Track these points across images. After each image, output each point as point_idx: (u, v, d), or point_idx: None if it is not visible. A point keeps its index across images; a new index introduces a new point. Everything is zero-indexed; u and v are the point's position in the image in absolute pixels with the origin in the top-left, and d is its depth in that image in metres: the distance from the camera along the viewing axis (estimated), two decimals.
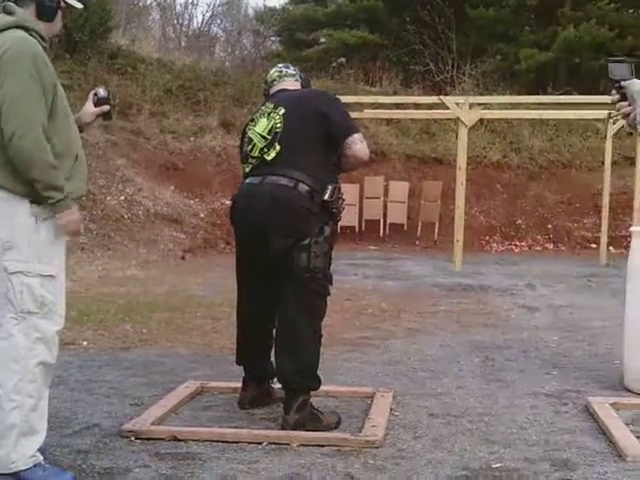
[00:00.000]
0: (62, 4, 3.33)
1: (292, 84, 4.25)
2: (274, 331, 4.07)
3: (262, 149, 3.97)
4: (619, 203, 14.69)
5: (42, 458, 3.20)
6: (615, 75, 2.98)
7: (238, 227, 4.09)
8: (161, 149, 14.35)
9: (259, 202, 3.89)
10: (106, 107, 3.54)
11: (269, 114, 4.03)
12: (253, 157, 4.02)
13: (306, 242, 3.81)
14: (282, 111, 3.99)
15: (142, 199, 12.79)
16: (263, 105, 4.17)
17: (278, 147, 3.92)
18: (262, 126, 4.01)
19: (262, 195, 3.89)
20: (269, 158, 3.94)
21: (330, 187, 3.90)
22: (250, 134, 4.07)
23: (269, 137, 3.95)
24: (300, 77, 4.32)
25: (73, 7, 3.43)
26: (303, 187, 3.84)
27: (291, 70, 4.32)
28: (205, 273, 10.07)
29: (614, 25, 18.81)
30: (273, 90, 4.25)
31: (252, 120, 4.15)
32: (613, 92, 2.99)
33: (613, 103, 3.00)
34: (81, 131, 3.46)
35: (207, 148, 14.82)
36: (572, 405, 4.50)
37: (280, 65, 4.40)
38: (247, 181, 4.05)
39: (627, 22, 19.34)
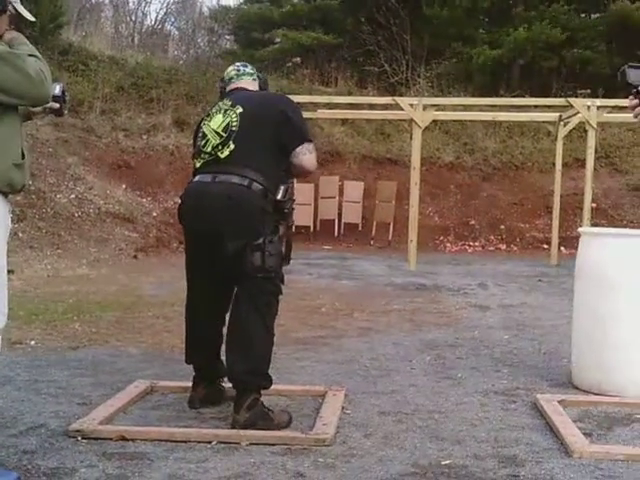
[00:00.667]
0: (12, 10, 3.26)
1: (250, 84, 4.22)
2: (224, 330, 4.04)
3: (216, 146, 3.93)
4: (570, 204, 14.92)
5: None
6: (633, 81, 3.00)
7: (189, 227, 4.04)
8: (113, 147, 14.20)
9: (212, 202, 3.85)
10: (56, 105, 3.50)
11: (226, 111, 3.99)
12: (206, 153, 3.98)
13: (260, 241, 3.78)
14: (239, 110, 3.95)
15: (93, 197, 12.63)
16: (220, 101, 4.13)
17: (232, 146, 3.89)
18: (217, 122, 3.98)
19: (215, 194, 3.85)
20: (222, 156, 3.90)
21: (283, 187, 3.90)
22: (205, 129, 4.04)
23: (224, 135, 3.92)
24: (258, 77, 4.28)
25: (24, 17, 3.36)
26: (257, 186, 3.82)
27: (249, 69, 4.28)
28: (157, 272, 9.98)
29: (566, 28, 19.07)
30: (229, 87, 4.21)
31: (208, 115, 4.12)
32: (631, 97, 3.01)
33: (632, 108, 3.02)
34: (29, 119, 3.44)
35: (160, 147, 14.71)
36: (521, 402, 4.54)
37: (238, 64, 4.36)
38: (197, 179, 4.00)
39: (578, 26, 19.63)
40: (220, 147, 3.92)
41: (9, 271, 8.59)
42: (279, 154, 3.94)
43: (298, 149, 3.96)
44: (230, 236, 3.78)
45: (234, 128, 3.91)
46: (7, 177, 3.15)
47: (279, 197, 3.88)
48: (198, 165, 4.04)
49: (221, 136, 3.93)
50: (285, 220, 3.95)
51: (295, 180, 4.19)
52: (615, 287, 4.69)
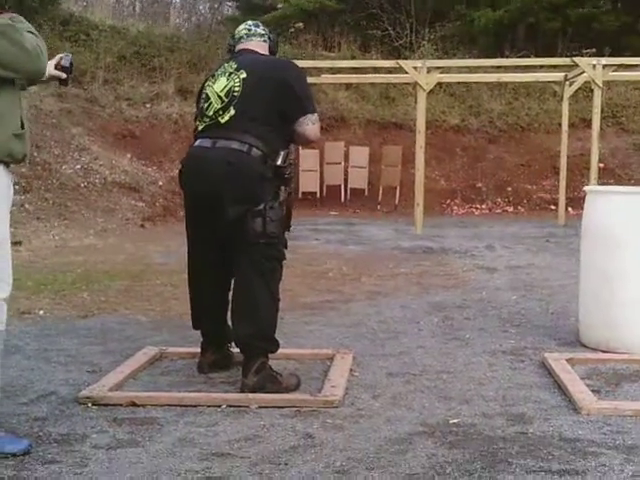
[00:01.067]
0: None
1: (260, 46, 4.13)
2: (229, 294, 4.04)
3: (217, 110, 3.91)
4: (577, 165, 14.84)
5: None
6: None
7: (189, 192, 4.04)
8: (117, 117, 14.15)
9: (212, 167, 3.84)
10: (63, 75, 3.52)
11: (230, 74, 3.95)
12: (207, 116, 3.96)
13: (260, 207, 3.77)
14: (243, 75, 3.91)
15: (99, 167, 12.61)
16: (226, 63, 4.07)
17: (233, 111, 3.87)
18: (221, 85, 3.94)
19: (215, 160, 3.84)
20: (223, 121, 3.88)
21: (282, 152, 3.88)
22: (208, 91, 4.00)
23: (226, 99, 3.89)
24: (269, 38, 4.17)
25: None
26: (256, 152, 3.81)
27: (260, 29, 4.17)
28: (165, 241, 9.98)
29: None
30: (238, 47, 4.14)
31: (212, 76, 4.07)
32: None
33: None
34: (33, 84, 3.47)
35: (164, 115, 14.65)
36: (529, 362, 4.56)
37: (250, 23, 4.23)
38: (197, 143, 3.99)
39: None
40: (221, 112, 3.89)
41: (17, 242, 8.67)
42: (280, 121, 3.90)
43: (301, 119, 3.92)
44: (230, 201, 3.78)
45: (236, 93, 3.88)
46: (7, 147, 3.14)
47: (279, 163, 3.86)
48: (200, 128, 4.02)
49: (222, 100, 3.90)
50: (286, 185, 3.94)
51: (300, 147, 4.19)
52: (621, 245, 4.68)
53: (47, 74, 3.50)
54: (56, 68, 3.50)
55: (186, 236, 4.17)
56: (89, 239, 10.05)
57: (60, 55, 3.59)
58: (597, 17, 19.05)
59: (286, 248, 3.99)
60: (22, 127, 3.21)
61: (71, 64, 3.55)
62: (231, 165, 3.79)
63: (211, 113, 3.93)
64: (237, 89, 3.89)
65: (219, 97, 3.92)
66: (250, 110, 3.85)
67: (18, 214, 9.86)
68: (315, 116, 3.99)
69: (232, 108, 3.87)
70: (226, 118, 3.88)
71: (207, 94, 4.00)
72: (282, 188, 3.89)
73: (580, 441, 3.29)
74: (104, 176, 12.52)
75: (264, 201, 3.78)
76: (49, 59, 3.51)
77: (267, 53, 4.16)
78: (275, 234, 3.82)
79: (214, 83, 3.99)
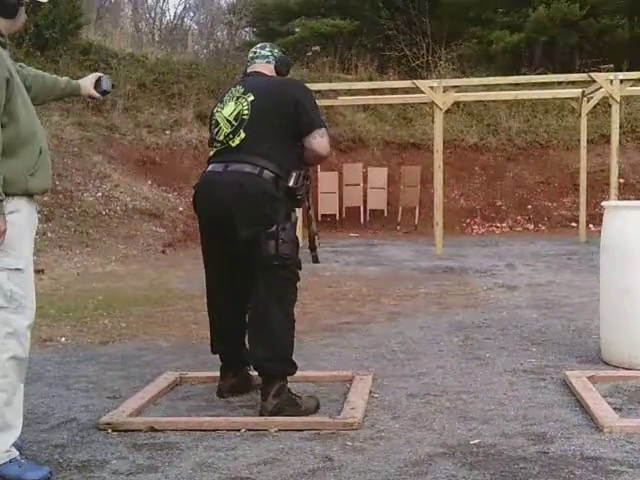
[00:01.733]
0: (25, 0, 3.30)
1: (264, 67, 4.15)
2: (246, 317, 4.05)
3: (227, 135, 3.95)
4: (597, 181, 14.78)
5: (18, 453, 3.18)
6: None
7: (203, 216, 4.07)
8: (137, 144, 14.27)
9: (224, 190, 3.86)
10: (97, 96, 3.78)
11: (237, 99, 3.99)
12: (218, 141, 4.00)
13: (273, 229, 3.79)
14: (251, 98, 3.95)
15: (119, 195, 12.72)
16: (233, 87, 4.11)
17: (243, 134, 3.90)
18: (229, 110, 3.98)
19: (227, 183, 3.87)
20: (234, 144, 3.92)
21: (295, 173, 3.88)
22: (217, 117, 4.04)
23: (235, 123, 3.93)
24: (275, 58, 4.17)
25: (39, 3, 3.42)
26: (268, 174, 3.82)
27: (265, 51, 4.19)
28: (185, 266, 10.03)
29: (585, 2, 18.80)
30: (248, 70, 4.20)
31: (221, 102, 4.11)
32: None
33: None
34: (75, 95, 3.78)
35: (183, 141, 14.76)
36: (550, 380, 4.52)
37: (258, 46, 4.27)
38: (209, 168, 4.02)
39: (598, 0, 19.33)
40: (231, 136, 3.93)
41: (40, 270, 8.73)
42: (291, 141, 3.92)
43: (310, 134, 3.94)
44: (242, 223, 3.80)
45: (245, 116, 3.91)
46: (23, 186, 3.20)
47: (291, 184, 3.87)
48: (211, 153, 4.06)
49: (232, 125, 3.93)
50: (298, 206, 3.95)
51: (315, 167, 4.20)
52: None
53: (83, 92, 3.74)
54: (95, 88, 3.73)
55: (203, 260, 4.20)
56: (111, 266, 10.12)
57: (99, 75, 3.80)
58: (613, 31, 19.02)
59: (300, 269, 4.00)
60: (38, 162, 3.25)
61: (105, 89, 3.76)
62: (243, 188, 3.81)
63: (222, 138, 3.97)
64: (246, 112, 3.92)
65: (228, 121, 3.95)
66: (260, 132, 3.88)
67: (40, 242, 9.95)
68: (323, 130, 3.98)
69: (242, 131, 3.90)
70: (237, 142, 3.91)
71: (216, 120, 4.04)
72: (294, 209, 3.90)
73: (602, 460, 3.26)
74: (125, 203, 12.62)
75: (276, 223, 3.80)
76: (72, 82, 3.74)
77: (272, 74, 4.17)
78: (288, 255, 3.83)
79: (223, 108, 4.03)
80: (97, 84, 3.76)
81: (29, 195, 3.25)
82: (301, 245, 4.07)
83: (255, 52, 4.21)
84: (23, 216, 3.21)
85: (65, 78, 3.80)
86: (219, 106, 4.09)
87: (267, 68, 4.18)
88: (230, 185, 3.84)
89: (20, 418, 3.23)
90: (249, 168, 3.84)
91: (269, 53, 4.19)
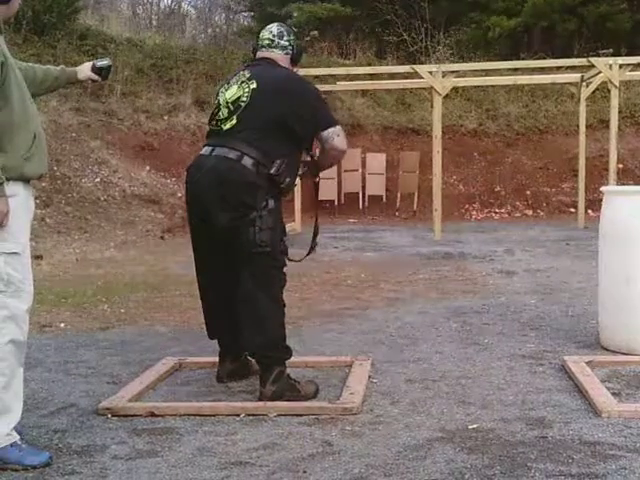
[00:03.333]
0: None
1: (281, 58, 4.08)
2: (236, 304, 4.04)
3: (222, 119, 3.94)
4: (596, 166, 14.76)
5: (18, 437, 3.19)
6: None
7: (189, 200, 4.10)
8: (135, 129, 14.24)
9: (203, 175, 3.88)
10: (96, 77, 3.76)
11: (242, 83, 3.95)
12: (215, 121, 4.00)
13: (252, 216, 3.78)
14: (254, 85, 3.91)
15: (118, 180, 12.70)
16: (242, 70, 4.07)
17: (235, 120, 3.88)
18: (231, 93, 3.96)
19: (208, 168, 3.88)
20: (224, 128, 3.92)
21: (278, 161, 3.84)
22: (220, 97, 4.03)
23: (232, 108, 3.91)
24: (293, 49, 4.09)
25: None
26: (248, 160, 3.80)
27: (284, 41, 4.08)
28: (184, 252, 9.87)
29: None
30: (258, 55, 4.12)
31: (227, 82, 4.08)
32: None
33: None
34: (72, 82, 3.80)
35: (182, 127, 14.73)
36: (549, 365, 4.53)
37: (274, 32, 4.09)
38: (201, 151, 4.03)
39: None
40: (224, 120, 3.93)
41: (38, 256, 8.74)
42: (286, 136, 3.88)
43: (325, 133, 3.93)
44: (217, 209, 3.81)
45: (242, 103, 3.89)
46: (19, 170, 3.20)
47: (272, 171, 3.83)
48: (207, 132, 4.09)
49: (229, 110, 3.92)
50: (281, 194, 3.94)
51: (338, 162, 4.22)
52: (638, 245, 4.64)
53: (81, 76, 3.74)
54: (92, 69, 3.73)
55: (192, 244, 4.20)
56: (109, 252, 10.12)
57: (95, 60, 3.83)
58: (612, 16, 18.95)
59: (285, 254, 3.99)
60: (32, 146, 3.25)
61: (106, 68, 3.76)
62: (220, 173, 3.81)
63: (217, 120, 3.98)
64: (244, 99, 3.90)
65: (227, 106, 3.94)
66: (252, 120, 3.85)
67: (39, 228, 9.94)
68: (339, 127, 4.00)
69: (235, 117, 3.89)
70: (227, 126, 3.91)
71: (218, 100, 4.03)
72: (274, 196, 3.88)
73: (600, 444, 3.27)
74: (123, 189, 12.61)
75: (255, 210, 3.79)
76: (68, 70, 3.73)
77: (288, 66, 4.10)
78: (266, 242, 3.81)
79: (227, 90, 4.01)
80: (94, 68, 3.76)
81: (25, 180, 3.25)
82: (298, 231, 4.06)
83: (273, 40, 4.08)
84: (19, 201, 3.21)
85: (59, 67, 3.78)
86: (224, 87, 4.07)
87: (284, 60, 4.09)
88: (210, 170, 3.85)
89: (20, 402, 3.23)
90: (230, 154, 3.83)
91: (287, 43, 4.09)
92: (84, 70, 3.75)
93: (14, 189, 3.18)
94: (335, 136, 3.96)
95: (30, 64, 3.68)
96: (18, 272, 3.17)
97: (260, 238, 3.78)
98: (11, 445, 3.15)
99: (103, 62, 3.78)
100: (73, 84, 4.01)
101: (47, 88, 3.75)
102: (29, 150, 3.23)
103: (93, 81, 3.82)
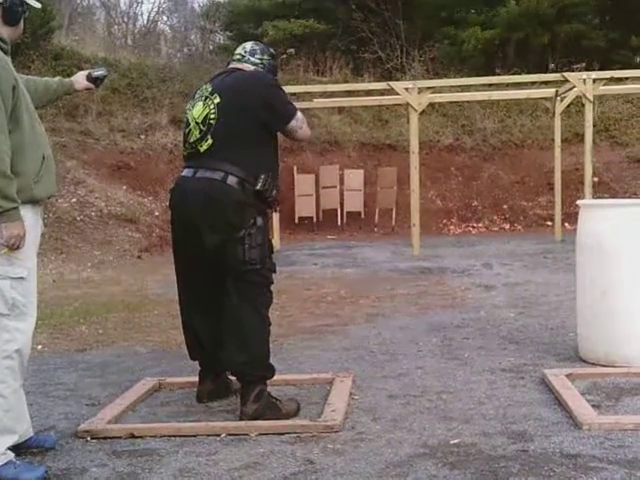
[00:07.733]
0: (25, 8, 3.34)
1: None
2: (220, 323, 4.02)
3: (197, 140, 3.91)
4: (572, 180, 14.86)
5: (13, 455, 3.22)
6: None
7: (175, 222, 4.08)
8: (111, 149, 14.19)
9: (190, 198, 3.86)
10: (92, 86, 3.85)
11: (205, 99, 3.94)
12: (189, 143, 3.98)
13: (240, 235, 3.78)
14: (217, 100, 3.89)
15: (94, 200, 12.63)
16: (204, 84, 4.06)
17: (210, 140, 3.87)
18: (198, 111, 3.95)
19: (193, 190, 3.87)
20: (202, 150, 3.90)
21: (263, 176, 3.84)
22: (188, 116, 4.02)
23: (203, 128, 3.89)
24: (264, 68, 4.09)
25: (32, 7, 3.44)
26: (232, 179, 3.79)
27: (255, 59, 4.09)
28: (162, 271, 9.93)
29: (556, 2, 18.84)
30: (229, 66, 4.13)
31: (192, 99, 4.08)
32: None
33: None
34: (69, 93, 3.89)
35: (158, 146, 14.69)
36: (529, 378, 4.54)
37: (247, 48, 4.13)
38: (183, 173, 4.02)
39: (569, 0, 19.38)
40: (199, 141, 3.90)
41: None
42: (260, 141, 3.89)
43: (288, 126, 3.95)
44: (206, 231, 3.80)
45: (212, 121, 3.87)
46: (29, 193, 3.25)
47: (258, 187, 3.83)
48: (184, 155, 4.07)
49: (201, 130, 3.90)
50: (269, 208, 3.94)
51: (294, 171, 4.20)
52: (616, 257, 4.68)
53: (78, 87, 3.81)
54: (87, 78, 3.81)
55: (175, 266, 4.17)
56: (86, 272, 10.05)
57: (88, 70, 3.91)
58: (585, 33, 19.13)
59: (274, 272, 3.98)
60: (42, 168, 3.25)
61: (100, 78, 3.85)
62: (207, 195, 3.80)
63: (192, 141, 3.96)
64: (212, 116, 3.88)
65: (197, 125, 3.92)
66: (227, 136, 3.84)
67: None
68: (299, 115, 3.98)
69: (209, 137, 3.87)
70: (204, 147, 3.89)
71: (187, 120, 4.02)
72: (262, 212, 3.88)
73: (581, 457, 3.28)
74: (100, 208, 12.54)
75: (243, 228, 3.79)
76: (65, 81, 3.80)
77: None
78: (256, 260, 3.81)
79: (193, 107, 4.00)
80: (89, 77, 3.83)
81: (34, 202, 3.26)
82: (277, 249, 4.07)
83: (244, 56, 4.10)
84: (28, 224, 3.21)
85: (57, 79, 3.81)
86: (190, 103, 4.07)
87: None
88: (196, 192, 3.84)
89: (21, 422, 3.29)
90: (214, 175, 3.81)
91: (259, 61, 4.10)
92: (80, 80, 3.81)
93: (22, 212, 3.18)
94: (297, 127, 3.98)
95: (30, 77, 3.70)
96: (23, 296, 3.23)
97: (250, 256, 3.78)
98: (6, 463, 3.18)
99: (99, 72, 3.84)
100: (70, 94, 4.06)
101: (47, 101, 3.78)
102: (38, 173, 3.25)
103: (89, 90, 3.90)
